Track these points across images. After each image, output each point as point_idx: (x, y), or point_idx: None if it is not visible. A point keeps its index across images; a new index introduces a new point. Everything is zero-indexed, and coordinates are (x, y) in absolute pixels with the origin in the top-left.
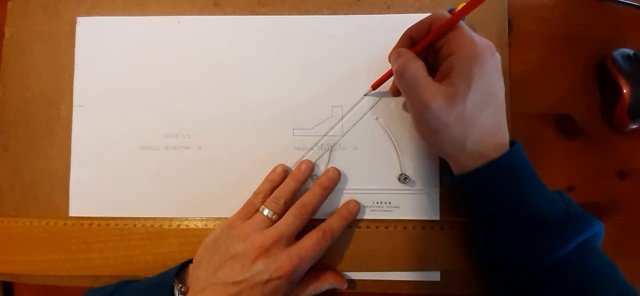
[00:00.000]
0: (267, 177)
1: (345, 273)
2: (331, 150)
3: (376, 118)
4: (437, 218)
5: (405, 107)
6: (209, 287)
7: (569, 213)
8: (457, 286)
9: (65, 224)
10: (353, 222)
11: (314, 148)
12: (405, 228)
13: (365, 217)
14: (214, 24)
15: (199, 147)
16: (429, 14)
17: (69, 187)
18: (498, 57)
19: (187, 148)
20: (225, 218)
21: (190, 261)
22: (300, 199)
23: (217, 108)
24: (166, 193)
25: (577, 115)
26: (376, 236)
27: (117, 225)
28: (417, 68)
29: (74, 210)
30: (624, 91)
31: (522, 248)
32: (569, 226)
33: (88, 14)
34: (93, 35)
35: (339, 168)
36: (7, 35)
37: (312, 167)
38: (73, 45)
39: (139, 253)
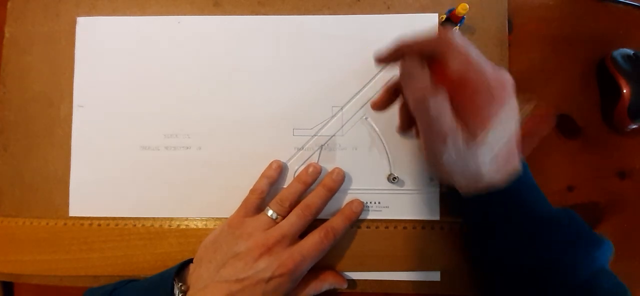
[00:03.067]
0: (263, 173)
1: (345, 273)
2: (321, 150)
3: (365, 118)
4: (437, 218)
5: (402, 129)
6: (211, 285)
7: (578, 234)
8: (457, 286)
9: (65, 224)
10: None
11: (314, 149)
12: (405, 228)
13: (365, 217)
14: (214, 24)
15: (199, 147)
16: (432, 32)
17: (69, 187)
18: (513, 89)
19: (187, 148)
20: (225, 218)
21: (190, 261)
22: (305, 200)
23: (217, 108)
24: (166, 193)
25: (577, 115)
26: (376, 236)
27: (117, 225)
28: (442, 99)
29: (74, 210)
30: (624, 91)
31: (528, 260)
32: (579, 250)
33: (88, 14)
34: (93, 35)
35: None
36: (7, 35)
37: (319, 170)
38: (73, 45)
39: (139, 253)
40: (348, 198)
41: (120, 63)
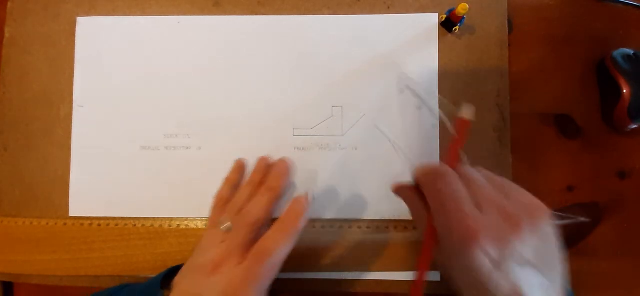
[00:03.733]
0: (226, 178)
1: (345, 273)
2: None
3: (375, 125)
4: None
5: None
6: (178, 294)
7: None
8: None
9: (65, 224)
10: (353, 222)
11: (314, 148)
12: (405, 228)
13: (365, 217)
14: (214, 24)
15: (199, 147)
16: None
17: (69, 187)
18: (478, 244)
19: (187, 148)
20: None
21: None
22: (245, 209)
23: (217, 108)
24: (166, 193)
25: (577, 115)
26: (376, 236)
27: (117, 225)
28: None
29: (74, 210)
30: (624, 91)
31: None
32: None
33: (88, 14)
34: (93, 35)
35: (288, 160)
36: (7, 35)
37: (267, 164)
38: (73, 45)
39: (139, 253)
40: (347, 199)
41: (120, 63)
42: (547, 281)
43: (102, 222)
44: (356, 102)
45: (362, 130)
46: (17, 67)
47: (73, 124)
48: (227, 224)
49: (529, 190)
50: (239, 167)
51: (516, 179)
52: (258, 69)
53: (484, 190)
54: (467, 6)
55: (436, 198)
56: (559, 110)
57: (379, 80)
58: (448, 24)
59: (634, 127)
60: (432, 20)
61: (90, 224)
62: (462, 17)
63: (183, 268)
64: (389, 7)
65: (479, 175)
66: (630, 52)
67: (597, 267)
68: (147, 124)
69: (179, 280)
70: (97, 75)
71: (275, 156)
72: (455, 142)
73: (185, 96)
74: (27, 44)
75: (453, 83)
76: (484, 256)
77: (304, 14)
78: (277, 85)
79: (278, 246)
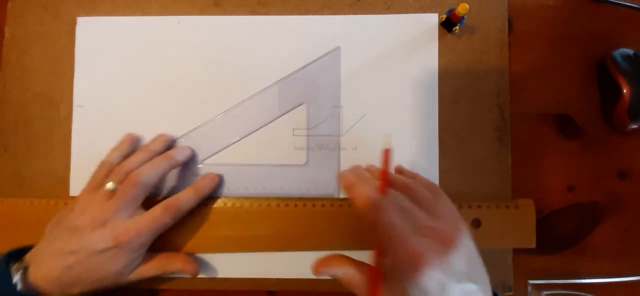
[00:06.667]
0: (114, 146)
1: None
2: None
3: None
4: None
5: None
6: (48, 259)
7: None
8: None
9: (65, 203)
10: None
11: (314, 148)
12: None
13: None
14: (214, 24)
15: (199, 147)
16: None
17: (69, 187)
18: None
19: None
20: None
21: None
22: (139, 169)
23: (217, 108)
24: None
25: (577, 115)
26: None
27: None
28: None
29: None
30: (624, 91)
31: None
32: None
33: (88, 14)
34: (93, 35)
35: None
36: (7, 35)
37: (167, 140)
38: (73, 45)
39: None
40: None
41: (120, 63)
42: (480, 287)
43: None
44: (356, 102)
45: (362, 130)
46: (17, 67)
47: (73, 124)
48: (111, 184)
49: (529, 190)
50: (131, 139)
51: (516, 179)
52: (258, 69)
53: (415, 214)
54: (467, 6)
55: (382, 231)
56: (559, 110)
57: (379, 80)
58: (448, 24)
59: (634, 127)
60: (432, 20)
61: None
62: (462, 17)
63: (44, 239)
64: (389, 7)
65: (413, 182)
66: (630, 52)
67: (597, 267)
68: (147, 124)
69: (43, 248)
70: (97, 75)
71: (275, 156)
72: (383, 170)
73: (185, 96)
74: (27, 43)
75: (453, 83)
76: (431, 281)
77: (304, 14)
78: (277, 84)
79: (188, 203)
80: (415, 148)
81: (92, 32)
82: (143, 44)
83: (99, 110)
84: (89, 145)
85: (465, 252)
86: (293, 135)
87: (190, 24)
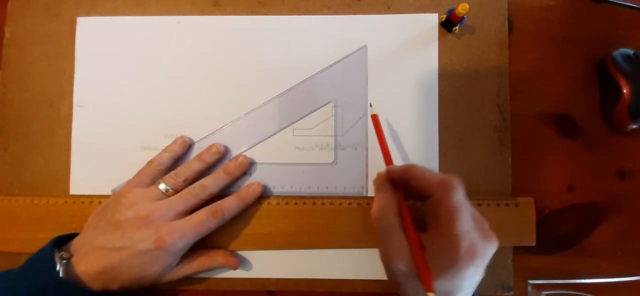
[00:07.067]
0: (166, 147)
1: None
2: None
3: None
4: None
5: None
6: (91, 251)
7: None
8: None
9: (66, 202)
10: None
11: (314, 148)
12: None
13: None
14: (214, 24)
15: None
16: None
17: (69, 187)
18: (483, 260)
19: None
20: None
21: (76, 234)
22: (202, 179)
23: (217, 108)
24: None
25: (577, 115)
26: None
27: None
28: (394, 217)
29: None
30: (624, 91)
31: None
32: None
33: (88, 14)
34: (93, 35)
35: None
36: (7, 35)
37: (222, 151)
38: (73, 45)
39: None
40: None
41: (120, 63)
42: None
43: (102, 199)
44: (356, 102)
45: (362, 130)
46: (17, 67)
47: (73, 124)
48: (164, 185)
49: (529, 190)
50: (183, 143)
51: (516, 179)
52: (258, 69)
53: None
54: (467, 6)
55: (449, 212)
56: (559, 110)
57: (379, 80)
58: (448, 24)
59: (634, 127)
60: (432, 20)
61: (91, 202)
62: (462, 17)
63: (89, 230)
64: (389, 7)
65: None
66: (630, 52)
67: (597, 267)
68: (147, 124)
69: (88, 239)
70: (97, 75)
71: (275, 156)
72: (380, 136)
73: (185, 96)
74: (27, 43)
75: (453, 83)
76: (477, 275)
77: (304, 14)
78: (277, 85)
79: (233, 208)
80: (415, 148)
81: (92, 32)
82: (143, 44)
83: (99, 111)
84: (89, 146)
85: None
86: (293, 135)
87: (190, 24)
